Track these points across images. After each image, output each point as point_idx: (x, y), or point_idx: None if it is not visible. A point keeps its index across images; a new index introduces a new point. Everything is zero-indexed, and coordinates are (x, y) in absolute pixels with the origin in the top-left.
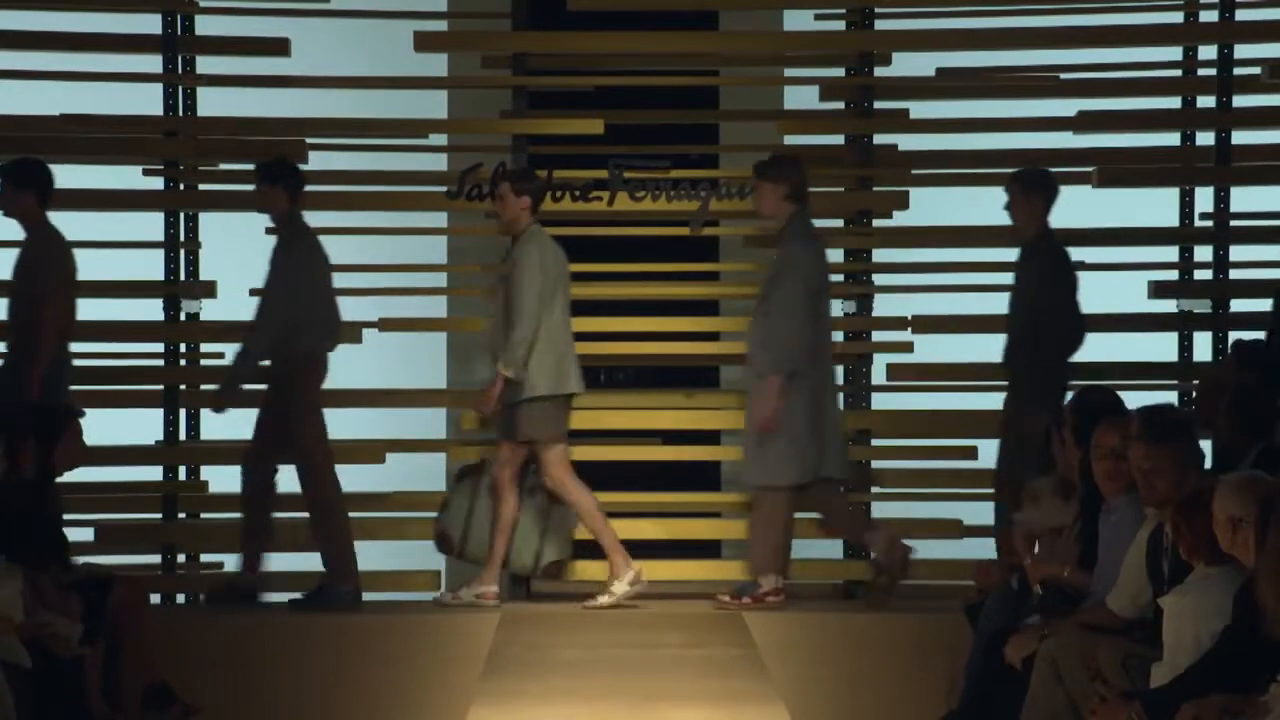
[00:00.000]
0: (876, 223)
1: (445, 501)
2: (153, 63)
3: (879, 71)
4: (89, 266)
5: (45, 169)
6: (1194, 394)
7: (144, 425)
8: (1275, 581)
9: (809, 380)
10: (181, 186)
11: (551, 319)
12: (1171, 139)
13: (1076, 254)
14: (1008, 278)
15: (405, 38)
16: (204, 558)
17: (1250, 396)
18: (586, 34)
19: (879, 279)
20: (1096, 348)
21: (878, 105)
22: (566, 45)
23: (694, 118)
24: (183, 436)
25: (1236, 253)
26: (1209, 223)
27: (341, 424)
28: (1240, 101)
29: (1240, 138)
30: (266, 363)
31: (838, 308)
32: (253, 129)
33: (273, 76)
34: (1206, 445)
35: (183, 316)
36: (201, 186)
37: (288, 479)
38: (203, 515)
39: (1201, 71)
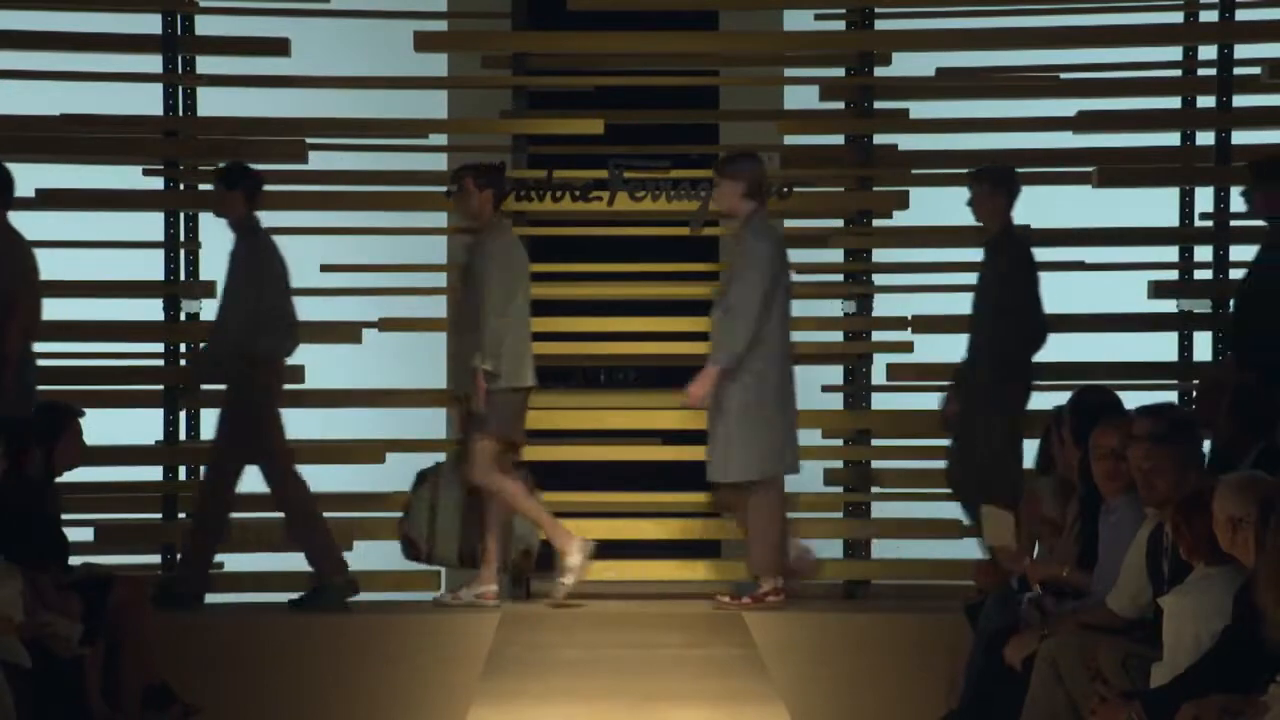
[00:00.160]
0: (876, 223)
1: (406, 506)
2: (153, 63)
3: (879, 71)
4: (89, 266)
5: (5, 171)
6: (1194, 394)
7: (144, 425)
8: (1275, 582)
9: (775, 376)
10: (181, 186)
11: (515, 313)
12: (1171, 139)
13: (1076, 254)
14: None
15: (405, 38)
16: None
17: (1250, 396)
18: (586, 34)
19: (879, 279)
20: (1097, 348)
21: (878, 105)
22: (566, 45)
23: (694, 118)
24: (183, 436)
25: (1236, 253)
26: (1209, 223)
27: (341, 424)
28: (1240, 101)
29: (1240, 138)
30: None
31: (838, 308)
32: (253, 129)
33: (273, 76)
34: (1206, 445)
35: (183, 316)
36: (202, 186)
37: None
38: None
39: (1201, 71)
